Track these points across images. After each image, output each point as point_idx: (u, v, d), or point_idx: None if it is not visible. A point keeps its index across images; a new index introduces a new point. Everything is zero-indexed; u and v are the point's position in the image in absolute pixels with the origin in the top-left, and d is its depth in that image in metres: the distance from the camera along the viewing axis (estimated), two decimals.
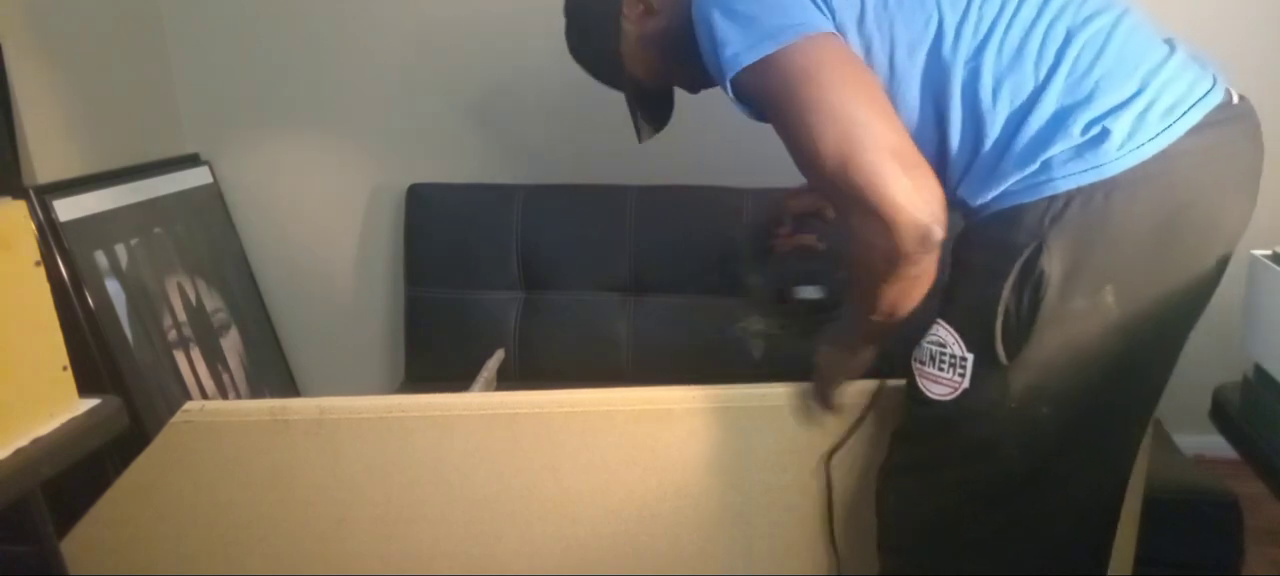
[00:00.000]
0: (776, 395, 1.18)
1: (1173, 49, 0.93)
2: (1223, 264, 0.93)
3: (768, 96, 0.93)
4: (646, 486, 1.20)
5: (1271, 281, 0.92)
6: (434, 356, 1.93)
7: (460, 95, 1.96)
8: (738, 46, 0.92)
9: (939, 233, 0.86)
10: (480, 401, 1.21)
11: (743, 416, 1.18)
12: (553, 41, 1.91)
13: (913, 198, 0.85)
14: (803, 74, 0.89)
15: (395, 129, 2.00)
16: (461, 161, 1.98)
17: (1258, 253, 0.95)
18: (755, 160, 1.83)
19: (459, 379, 1.74)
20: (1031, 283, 0.88)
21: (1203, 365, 1.09)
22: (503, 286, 1.90)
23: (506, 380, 1.84)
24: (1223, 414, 1.08)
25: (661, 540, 1.23)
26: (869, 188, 0.85)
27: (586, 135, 1.96)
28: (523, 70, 1.94)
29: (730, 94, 0.96)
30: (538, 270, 1.89)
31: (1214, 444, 1.16)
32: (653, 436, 1.18)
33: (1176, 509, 1.28)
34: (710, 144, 1.90)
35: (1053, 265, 0.87)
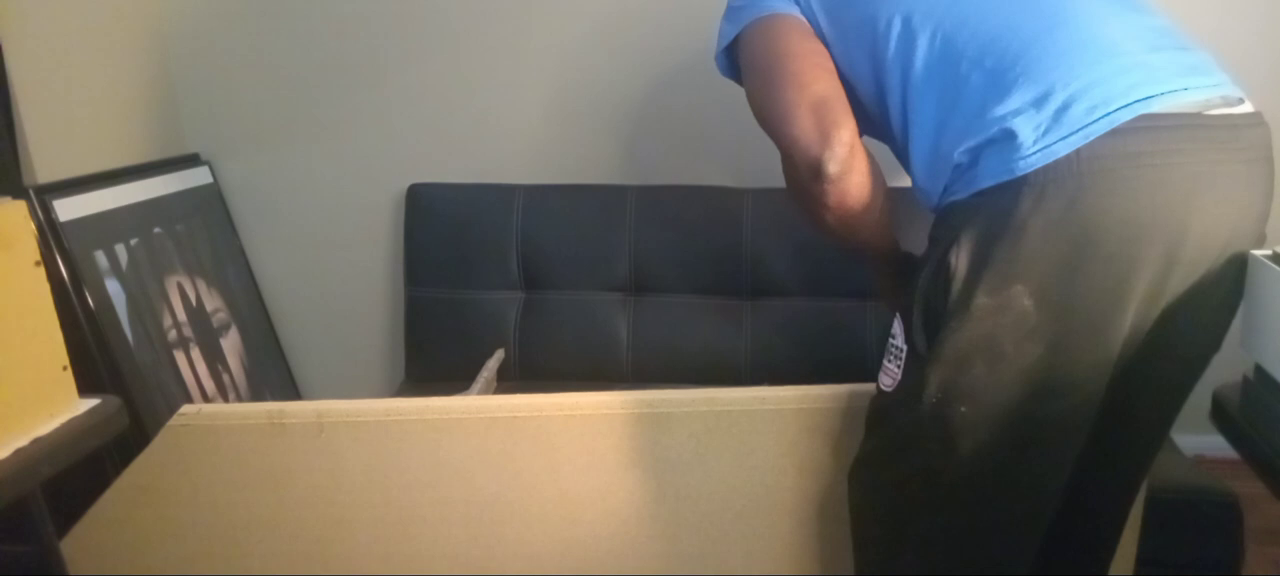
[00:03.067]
0: (776, 398, 1.18)
1: (1153, 50, 0.90)
2: (1208, 282, 0.90)
3: (740, 67, 1.10)
4: (646, 489, 1.20)
5: (1271, 281, 0.92)
6: (434, 356, 1.93)
7: (460, 95, 1.96)
8: (723, 31, 1.12)
9: (831, 166, 0.94)
10: (478, 405, 1.21)
11: (742, 419, 1.18)
12: (552, 41, 1.92)
13: (810, 134, 0.95)
14: (753, 42, 1.07)
15: (395, 129, 1.99)
16: (461, 161, 1.98)
17: (1257, 253, 0.94)
18: (755, 160, 1.83)
19: (459, 379, 1.74)
20: (942, 275, 0.89)
21: None
22: (503, 286, 1.90)
23: (506, 380, 1.84)
24: (1223, 414, 1.07)
25: (661, 542, 1.23)
26: (777, 124, 1.00)
27: (586, 135, 1.96)
28: (523, 70, 1.94)
29: (723, 69, 1.15)
30: (538, 270, 1.89)
31: (1214, 444, 1.15)
32: (652, 439, 1.18)
33: (1176, 509, 1.28)
34: (710, 144, 1.90)
35: (960, 260, 0.88)
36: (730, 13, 1.12)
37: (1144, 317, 0.90)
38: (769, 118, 1.01)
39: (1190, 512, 1.30)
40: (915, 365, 0.95)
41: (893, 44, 0.97)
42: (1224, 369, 1.06)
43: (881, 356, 1.03)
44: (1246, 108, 0.92)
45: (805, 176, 0.97)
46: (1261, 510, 1.52)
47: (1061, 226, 0.84)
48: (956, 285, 0.88)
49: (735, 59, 1.12)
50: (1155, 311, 0.91)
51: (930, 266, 0.92)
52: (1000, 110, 0.87)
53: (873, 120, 1.06)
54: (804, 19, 1.06)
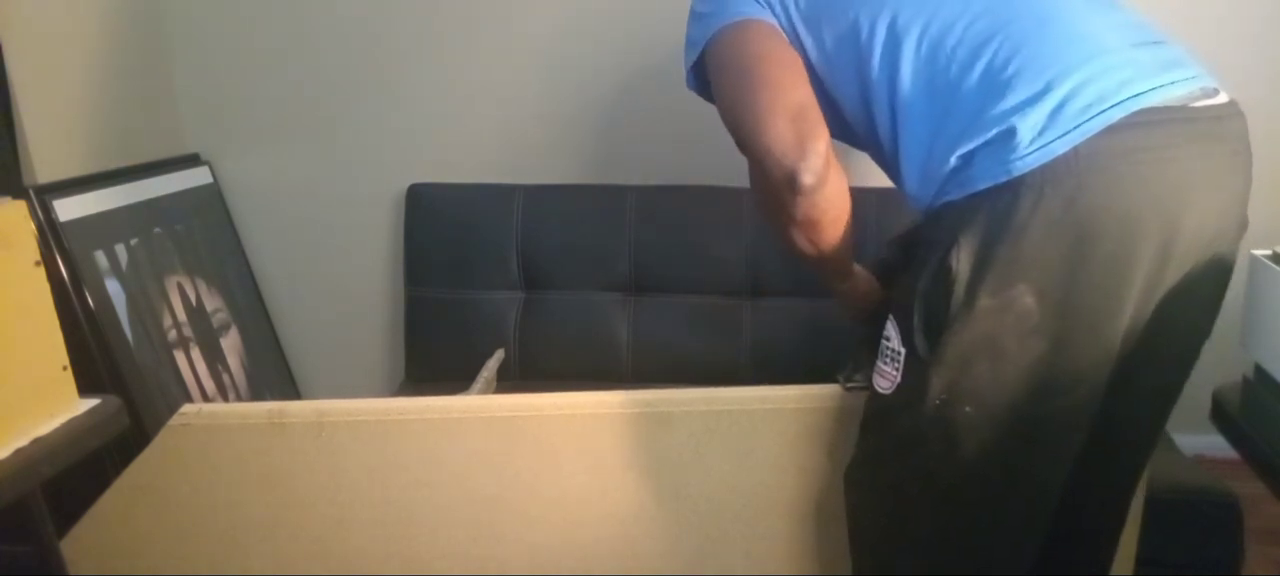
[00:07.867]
0: (775, 398, 1.18)
1: (1136, 46, 0.91)
2: (1198, 274, 0.90)
3: (710, 73, 1.05)
4: (646, 489, 1.20)
5: (1271, 281, 0.92)
6: (434, 356, 1.93)
7: (460, 95, 1.96)
8: (693, 38, 1.07)
9: (806, 178, 0.92)
10: (479, 404, 1.21)
11: (742, 419, 1.18)
12: (553, 41, 1.92)
13: (784, 144, 0.93)
14: (724, 47, 1.02)
15: (395, 129, 1.99)
16: (461, 161, 1.98)
17: (1258, 252, 0.94)
18: None
19: (459, 379, 1.74)
20: (943, 278, 0.89)
21: (1203, 365, 1.09)
22: (503, 286, 1.90)
23: (506, 380, 1.84)
24: (1223, 414, 1.08)
25: (661, 542, 1.23)
26: (749, 133, 0.96)
27: (586, 135, 1.96)
28: (523, 70, 1.94)
29: (691, 85, 1.11)
30: (538, 270, 1.89)
31: (1214, 444, 1.16)
32: (652, 439, 1.18)
33: (1176, 509, 1.28)
34: (710, 144, 1.89)
35: (960, 262, 0.88)
36: (697, 19, 1.07)
37: (1141, 312, 0.91)
38: (741, 123, 0.98)
39: (1190, 512, 1.30)
40: (916, 367, 0.94)
41: (877, 56, 0.96)
42: (1224, 369, 1.06)
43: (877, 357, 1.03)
44: (1223, 98, 0.93)
45: (778, 187, 0.95)
46: (1261, 510, 1.52)
47: (1062, 225, 0.85)
48: (959, 287, 0.88)
49: (703, 74, 1.07)
50: (1150, 305, 0.91)
51: (930, 269, 0.91)
52: (998, 109, 0.87)
53: (857, 134, 1.05)
54: (775, 24, 1.04)
